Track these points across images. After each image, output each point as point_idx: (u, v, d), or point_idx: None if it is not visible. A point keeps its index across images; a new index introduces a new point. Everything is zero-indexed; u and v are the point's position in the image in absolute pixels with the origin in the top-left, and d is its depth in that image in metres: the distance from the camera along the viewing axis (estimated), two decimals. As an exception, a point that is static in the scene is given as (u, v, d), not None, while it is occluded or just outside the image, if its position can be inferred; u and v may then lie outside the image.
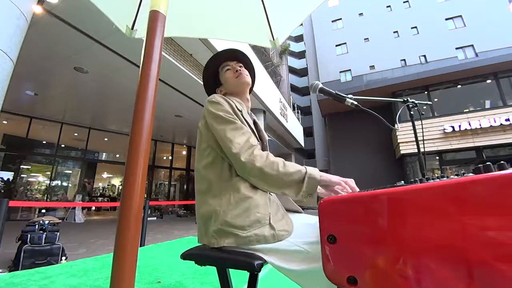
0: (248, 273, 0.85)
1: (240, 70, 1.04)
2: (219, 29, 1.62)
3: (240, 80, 1.03)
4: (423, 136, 1.17)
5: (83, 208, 8.46)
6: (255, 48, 8.59)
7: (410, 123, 1.15)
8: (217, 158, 0.86)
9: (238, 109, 0.91)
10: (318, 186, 0.77)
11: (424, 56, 15.92)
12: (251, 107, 1.09)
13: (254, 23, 1.51)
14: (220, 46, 5.50)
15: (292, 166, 0.78)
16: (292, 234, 0.77)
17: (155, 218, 9.70)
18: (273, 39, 1.54)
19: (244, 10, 1.48)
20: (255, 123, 1.02)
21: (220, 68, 1.07)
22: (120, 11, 1.39)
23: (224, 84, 1.06)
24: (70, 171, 10.51)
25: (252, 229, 0.74)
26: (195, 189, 0.91)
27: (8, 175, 8.19)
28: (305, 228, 0.81)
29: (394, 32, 17.28)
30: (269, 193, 0.85)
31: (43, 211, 7.28)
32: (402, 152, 11.00)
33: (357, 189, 0.78)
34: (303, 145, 15.18)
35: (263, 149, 0.95)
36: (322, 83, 1.09)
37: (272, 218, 0.77)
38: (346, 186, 0.77)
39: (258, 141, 0.92)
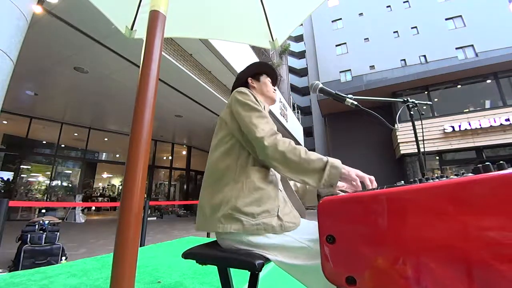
0: (249, 273, 0.86)
1: (275, 91, 1.18)
2: (219, 29, 1.62)
3: (274, 96, 1.15)
4: (423, 136, 1.17)
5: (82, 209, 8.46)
6: (255, 47, 8.59)
7: (410, 123, 1.15)
8: (236, 145, 0.89)
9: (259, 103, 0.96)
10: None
11: (424, 56, 15.91)
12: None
13: (253, 24, 1.51)
14: (220, 46, 5.50)
15: (314, 154, 0.78)
16: (297, 230, 0.79)
17: (155, 218, 9.70)
18: (273, 40, 1.54)
19: (244, 11, 1.48)
20: None
21: (265, 74, 1.17)
22: (119, 12, 1.39)
23: (260, 82, 1.14)
24: (70, 171, 10.50)
25: (261, 217, 0.76)
26: (205, 181, 0.92)
27: (8, 175, 8.18)
28: (308, 225, 0.83)
29: (394, 32, 17.26)
30: (279, 189, 0.88)
31: (43, 211, 7.28)
32: (402, 152, 11.00)
33: (373, 187, 0.77)
34: (303, 145, 15.17)
35: None
36: (322, 83, 1.09)
37: (281, 211, 0.80)
38: (359, 185, 0.76)
39: None
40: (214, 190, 0.86)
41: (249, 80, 1.15)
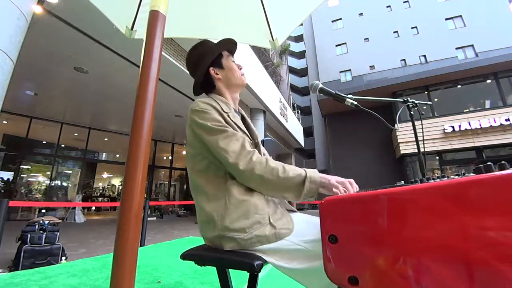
0: (248, 273, 0.85)
1: (242, 72, 1.02)
2: (219, 29, 1.62)
3: (244, 81, 1.02)
4: (423, 136, 1.17)
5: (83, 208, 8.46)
6: (255, 47, 8.58)
7: (410, 123, 1.15)
8: (211, 165, 0.84)
9: (224, 111, 0.87)
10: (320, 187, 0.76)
11: (424, 56, 15.92)
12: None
13: (253, 24, 1.51)
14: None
15: (293, 170, 0.76)
16: (293, 232, 0.76)
17: (155, 218, 9.69)
18: (273, 40, 1.54)
19: (244, 10, 1.48)
20: (244, 119, 0.99)
21: (224, 53, 1.01)
22: (119, 12, 1.39)
23: (226, 70, 0.99)
24: (70, 171, 10.50)
25: (253, 230, 0.73)
26: (191, 190, 0.90)
27: (8, 175, 8.18)
28: (304, 226, 0.80)
29: (394, 32, 17.28)
30: None
31: (43, 211, 7.28)
32: (402, 152, 11.00)
33: (355, 190, 0.76)
34: (303, 145, 15.18)
35: (255, 146, 0.91)
36: (322, 83, 1.09)
37: (272, 217, 0.76)
38: (341, 189, 0.75)
39: (250, 139, 0.89)
40: (199, 204, 0.84)
41: (212, 71, 0.97)
